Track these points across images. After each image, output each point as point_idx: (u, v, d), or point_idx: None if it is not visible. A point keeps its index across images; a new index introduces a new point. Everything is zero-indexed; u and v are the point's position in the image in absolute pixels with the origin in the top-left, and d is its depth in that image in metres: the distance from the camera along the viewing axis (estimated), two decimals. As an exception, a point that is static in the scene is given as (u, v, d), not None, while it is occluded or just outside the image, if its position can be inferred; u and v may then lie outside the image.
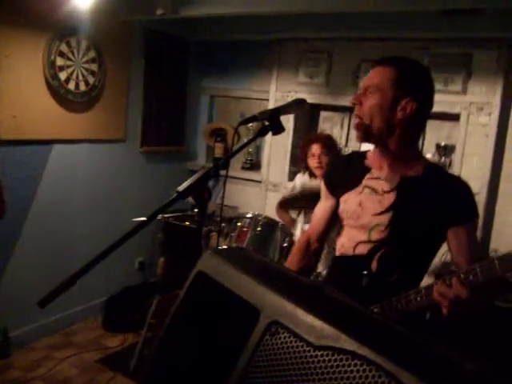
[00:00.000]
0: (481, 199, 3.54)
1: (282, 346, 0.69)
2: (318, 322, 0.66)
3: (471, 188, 1.67)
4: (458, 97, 3.61)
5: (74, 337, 3.83)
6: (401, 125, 1.62)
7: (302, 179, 3.51)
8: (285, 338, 0.69)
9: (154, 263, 4.50)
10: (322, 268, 2.73)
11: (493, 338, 2.79)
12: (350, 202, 1.75)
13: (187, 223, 3.70)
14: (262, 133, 1.55)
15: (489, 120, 3.55)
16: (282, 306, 0.71)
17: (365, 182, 1.73)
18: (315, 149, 3.28)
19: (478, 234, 3.58)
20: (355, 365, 0.60)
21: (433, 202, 1.61)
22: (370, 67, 1.71)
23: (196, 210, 3.63)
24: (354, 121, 1.71)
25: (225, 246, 2.94)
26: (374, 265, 1.66)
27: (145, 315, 3.56)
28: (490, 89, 3.52)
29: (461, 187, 1.66)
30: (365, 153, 1.83)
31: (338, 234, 1.84)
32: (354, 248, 1.71)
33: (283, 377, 0.68)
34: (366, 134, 1.66)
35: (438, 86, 3.65)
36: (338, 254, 1.81)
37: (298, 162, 3.60)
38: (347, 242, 1.75)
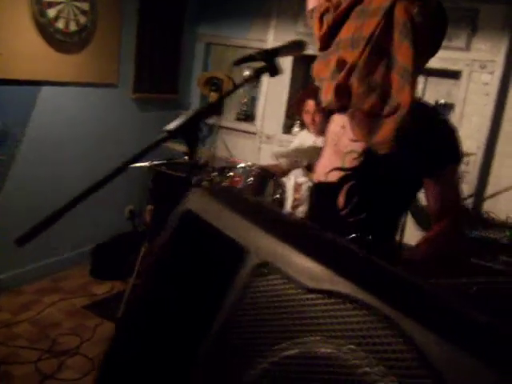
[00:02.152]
0: (477, 159, 3.50)
1: (273, 288, 0.64)
2: (311, 264, 0.61)
3: (455, 133, 1.56)
4: (460, 53, 3.51)
5: (62, 282, 3.82)
6: None
7: (300, 138, 3.43)
8: (276, 279, 0.64)
9: (143, 212, 4.46)
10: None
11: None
12: (335, 122, 1.70)
13: (178, 173, 3.62)
14: (257, 73, 1.48)
15: (491, 78, 3.46)
16: (272, 247, 0.66)
17: None
18: (310, 105, 3.19)
19: (472, 197, 3.55)
20: (351, 309, 0.55)
21: (413, 142, 1.49)
22: None
23: (185, 157, 3.53)
24: None
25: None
26: (341, 199, 1.59)
27: (133, 263, 3.54)
28: (494, 46, 3.41)
29: (443, 132, 1.56)
30: None
31: (318, 161, 1.78)
32: (327, 174, 1.64)
33: (274, 320, 0.63)
34: None
35: (441, 41, 3.54)
36: (315, 181, 1.76)
37: (295, 110, 3.51)
38: (322, 169, 1.69)
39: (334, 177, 1.61)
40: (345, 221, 1.57)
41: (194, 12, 4.64)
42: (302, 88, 4.31)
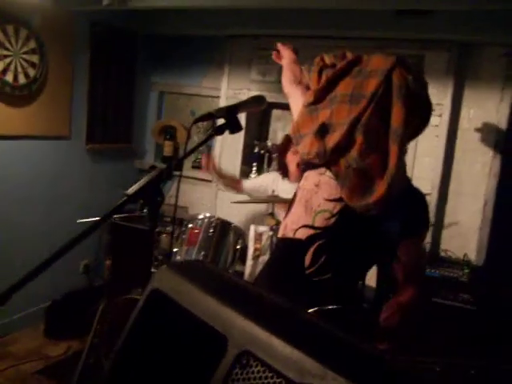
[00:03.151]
0: (432, 199, 3.56)
1: (256, 382, 0.59)
2: (298, 355, 0.56)
3: (427, 205, 1.66)
4: (409, 97, 3.61)
5: (11, 346, 3.58)
6: None
7: (269, 177, 3.36)
8: (258, 372, 0.59)
9: (99, 266, 4.30)
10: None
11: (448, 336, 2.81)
12: (309, 179, 1.67)
13: (136, 225, 3.53)
14: (218, 131, 1.45)
15: (440, 121, 3.58)
16: (253, 333, 0.61)
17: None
18: None
19: (429, 235, 3.60)
20: (346, 408, 0.50)
21: (388, 210, 1.51)
22: None
23: (146, 212, 3.46)
24: None
25: (179, 258, 2.79)
26: (308, 258, 1.56)
27: (90, 321, 3.38)
28: (441, 90, 3.54)
29: (416, 202, 1.64)
30: None
31: (285, 215, 1.75)
32: (295, 231, 1.61)
33: (257, 418, 0.58)
34: None
35: (390, 87, 3.65)
36: (279, 235, 1.72)
37: (277, 155, 3.39)
38: (290, 224, 1.66)
39: (303, 234, 1.58)
40: (309, 279, 1.55)
41: (146, 61, 4.63)
42: (257, 134, 4.35)
